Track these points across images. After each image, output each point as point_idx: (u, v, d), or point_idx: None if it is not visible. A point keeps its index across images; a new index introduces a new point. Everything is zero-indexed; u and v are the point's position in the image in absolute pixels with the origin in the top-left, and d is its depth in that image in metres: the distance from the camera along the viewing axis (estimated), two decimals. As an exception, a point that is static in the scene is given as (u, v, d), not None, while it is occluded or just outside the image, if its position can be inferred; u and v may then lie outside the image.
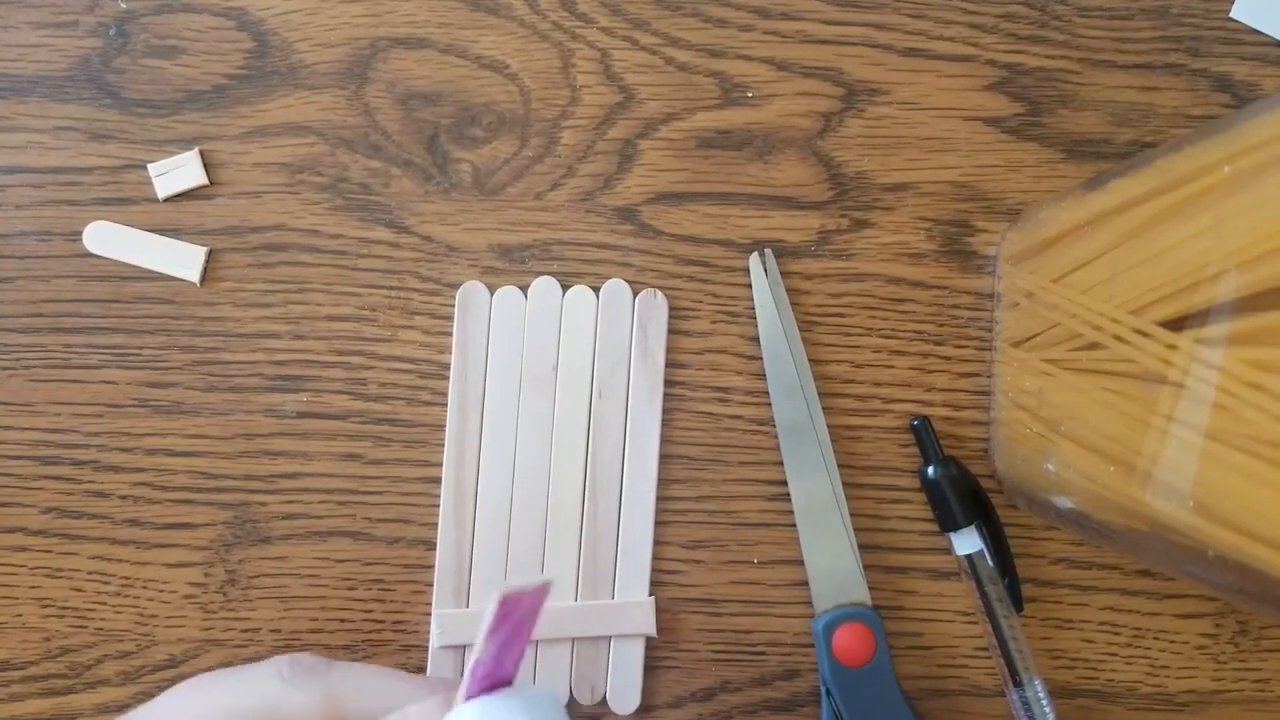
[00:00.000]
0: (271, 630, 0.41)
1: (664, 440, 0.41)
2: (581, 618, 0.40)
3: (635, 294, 0.41)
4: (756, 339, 0.41)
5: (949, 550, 0.41)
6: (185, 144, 0.42)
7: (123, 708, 0.41)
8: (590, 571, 0.40)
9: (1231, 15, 0.41)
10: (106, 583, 0.41)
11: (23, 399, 0.41)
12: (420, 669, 0.41)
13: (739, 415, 0.41)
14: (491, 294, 0.41)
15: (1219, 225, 0.27)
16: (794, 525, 0.41)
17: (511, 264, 0.42)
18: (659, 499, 0.41)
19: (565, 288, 0.41)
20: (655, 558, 0.41)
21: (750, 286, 0.41)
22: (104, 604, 0.41)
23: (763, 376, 0.41)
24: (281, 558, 0.41)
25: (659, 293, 0.41)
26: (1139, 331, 0.30)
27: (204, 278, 0.42)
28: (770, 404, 0.41)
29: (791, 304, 0.41)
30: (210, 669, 0.41)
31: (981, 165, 0.42)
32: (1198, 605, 0.41)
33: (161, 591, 0.41)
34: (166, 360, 0.41)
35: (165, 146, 0.42)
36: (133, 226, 0.42)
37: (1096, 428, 0.33)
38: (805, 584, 0.41)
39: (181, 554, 0.41)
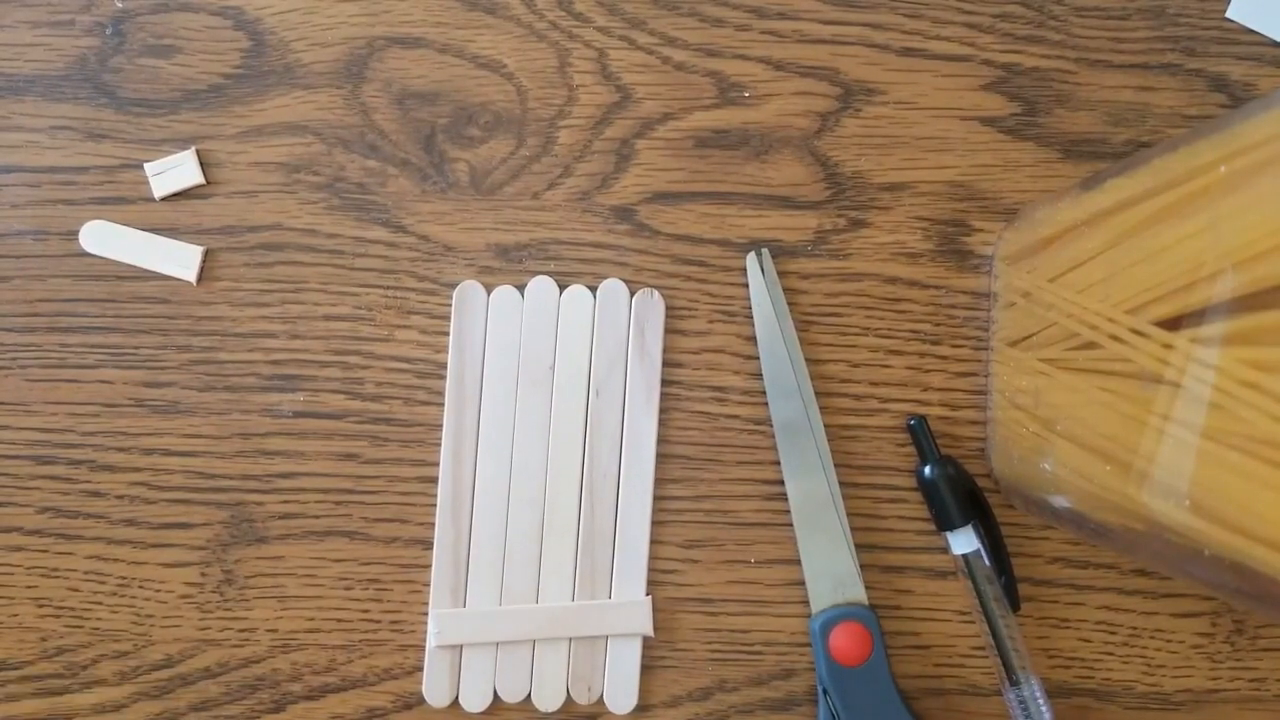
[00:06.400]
0: (268, 630, 0.41)
1: (661, 440, 0.41)
2: (578, 617, 0.40)
3: (632, 293, 0.41)
4: (753, 338, 0.41)
5: (946, 549, 0.41)
6: (182, 143, 0.42)
7: (119, 708, 0.41)
8: (587, 571, 0.40)
9: (1227, 15, 0.42)
10: (103, 582, 0.41)
11: (19, 398, 0.41)
12: (417, 669, 0.41)
13: (736, 415, 0.41)
14: (488, 293, 0.41)
15: (1215, 225, 0.27)
16: (791, 525, 0.41)
17: (508, 263, 0.42)
18: (656, 498, 0.41)
19: (562, 287, 0.41)
20: (652, 557, 0.41)
21: (747, 286, 0.41)
22: (100, 604, 0.41)
23: (759, 376, 0.41)
24: (278, 557, 0.41)
25: (656, 292, 0.41)
26: (1135, 331, 0.30)
27: (200, 277, 0.41)
28: (767, 403, 0.41)
29: (788, 303, 0.41)
30: (206, 669, 0.41)
31: (978, 165, 0.42)
32: (1194, 604, 0.41)
33: (158, 591, 0.41)
34: (163, 360, 0.41)
35: (162, 146, 0.42)
36: (129, 226, 0.42)
37: (1093, 427, 0.33)
38: (802, 583, 0.41)
39: (178, 554, 0.41)
